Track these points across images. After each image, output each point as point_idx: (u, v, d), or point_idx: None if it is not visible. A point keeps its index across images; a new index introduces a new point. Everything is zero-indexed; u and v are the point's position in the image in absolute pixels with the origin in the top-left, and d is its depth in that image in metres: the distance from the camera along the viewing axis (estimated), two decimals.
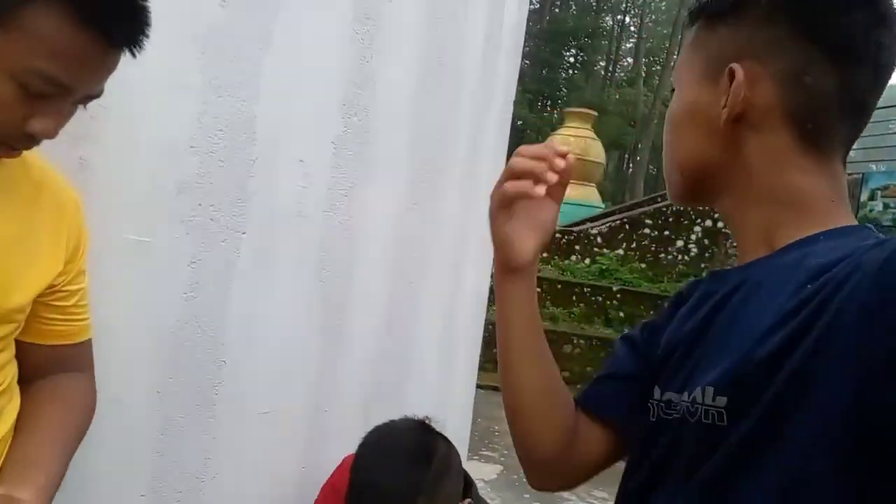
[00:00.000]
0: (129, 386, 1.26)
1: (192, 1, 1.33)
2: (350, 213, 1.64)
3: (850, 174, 10.55)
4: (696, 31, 0.77)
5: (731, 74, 0.71)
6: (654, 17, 37.83)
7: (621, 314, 11.00)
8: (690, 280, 0.88)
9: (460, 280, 2.22)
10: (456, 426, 2.36)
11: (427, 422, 1.35)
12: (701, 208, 12.17)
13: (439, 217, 2.00)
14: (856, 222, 0.71)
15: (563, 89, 34.75)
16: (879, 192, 10.80)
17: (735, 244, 0.78)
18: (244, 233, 1.40)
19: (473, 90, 2.09)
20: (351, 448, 1.49)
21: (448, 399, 2.27)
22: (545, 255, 11.86)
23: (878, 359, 0.53)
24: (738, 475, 0.61)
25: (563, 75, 35.42)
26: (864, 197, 11.18)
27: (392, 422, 1.34)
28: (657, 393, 0.75)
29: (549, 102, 35.19)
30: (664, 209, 12.40)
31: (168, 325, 1.30)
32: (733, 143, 0.73)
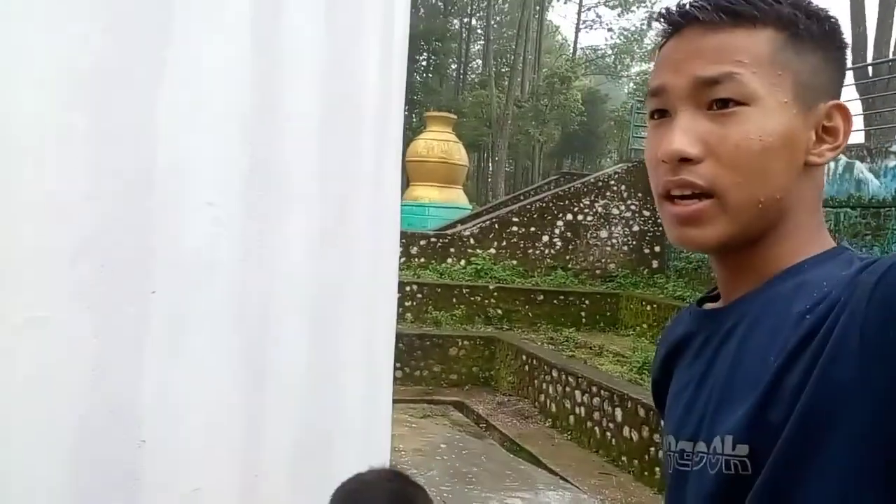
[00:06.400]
0: (34, 491, 1.06)
1: (68, 31, 1.15)
2: (266, 258, 1.49)
3: None
4: (774, 46, 0.66)
5: (837, 113, 0.68)
6: (498, 18, 39.17)
7: (499, 311, 11.27)
8: (669, 323, 0.85)
9: (375, 312, 2.12)
10: (380, 462, 2.26)
11: (396, 469, 1.26)
12: (563, 203, 12.75)
13: (352, 247, 1.89)
14: (830, 239, 0.70)
15: (419, 93, 35.13)
16: None
17: (716, 278, 0.74)
18: (153, 292, 1.23)
19: (374, 108, 2.00)
20: None
21: (372, 436, 2.16)
22: (422, 259, 11.91)
23: (885, 386, 0.53)
24: None
25: (418, 78, 35.83)
26: None
27: (360, 475, 1.23)
28: (673, 443, 0.72)
29: (406, 107, 35.44)
30: (528, 207, 12.86)
31: (74, 410, 1.11)
32: (799, 180, 0.68)
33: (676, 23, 0.69)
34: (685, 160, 0.66)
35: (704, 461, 0.65)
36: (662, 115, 0.70)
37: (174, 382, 1.29)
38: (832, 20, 0.69)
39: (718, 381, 0.67)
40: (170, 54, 1.25)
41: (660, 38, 0.72)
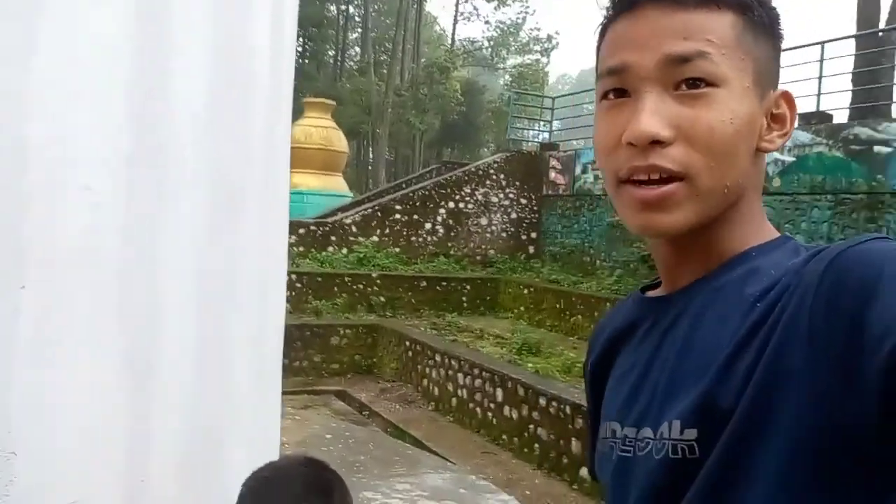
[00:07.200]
0: None
1: None
2: (150, 246, 1.39)
3: (565, 151, 11.62)
4: (737, 30, 0.65)
5: (783, 101, 0.69)
6: (377, 6, 38.75)
7: (382, 299, 11.24)
8: (609, 311, 0.84)
9: (265, 302, 2.04)
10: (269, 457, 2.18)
11: (310, 455, 1.23)
12: (445, 191, 12.89)
13: (242, 234, 1.80)
14: (773, 228, 0.72)
15: (296, 79, 33.94)
16: (590, 166, 12.43)
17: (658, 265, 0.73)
18: (23, 287, 1.11)
19: (266, 87, 1.91)
20: None
21: (262, 430, 2.08)
22: (301, 248, 11.64)
23: (832, 373, 0.54)
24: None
25: (295, 65, 34.71)
26: (577, 170, 12.78)
27: (272, 463, 1.19)
28: (618, 430, 0.71)
29: None
30: (411, 195, 12.89)
31: None
32: (753, 166, 0.68)
33: (632, 1, 0.67)
34: (655, 143, 0.63)
35: (650, 447, 0.65)
36: (620, 94, 0.66)
37: (48, 386, 1.17)
38: (775, 10, 0.70)
39: (667, 368, 0.67)
40: (43, 22, 1.12)
41: (607, 15, 0.70)
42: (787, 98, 0.70)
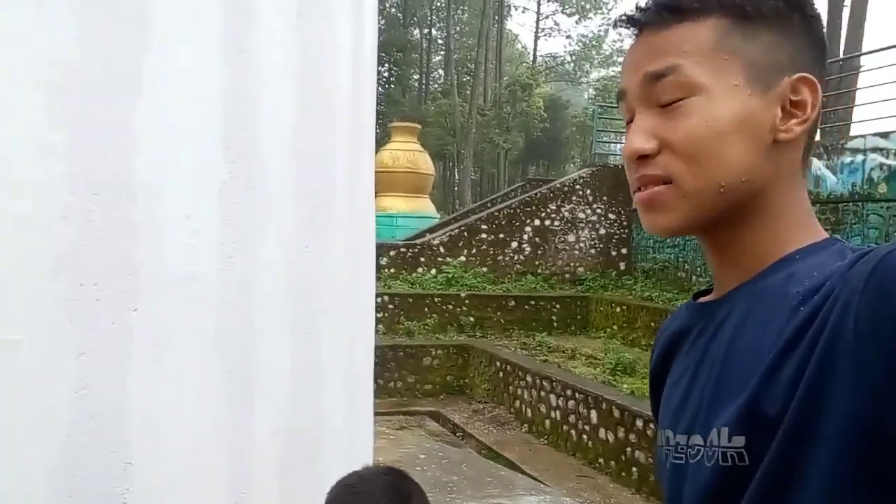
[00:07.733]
0: None
1: (37, 42, 1.12)
2: (245, 268, 1.47)
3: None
4: (718, 33, 0.67)
5: (803, 86, 0.67)
6: (458, 28, 39.41)
7: (471, 318, 11.29)
8: (667, 319, 0.85)
9: (354, 317, 2.10)
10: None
11: (392, 466, 1.27)
12: (530, 209, 12.84)
13: (330, 254, 1.87)
14: (821, 230, 0.71)
15: (382, 104, 35.09)
16: None
17: (711, 270, 0.74)
18: (135, 309, 1.20)
19: (347, 113, 1.99)
20: None
21: (356, 445, 2.14)
22: (392, 269, 11.87)
23: (879, 377, 0.53)
24: None
25: (381, 90, 35.82)
26: None
27: (356, 471, 1.24)
28: (671, 437, 0.71)
29: None
30: (496, 214, 12.92)
31: (59, 432, 1.07)
32: (770, 159, 0.67)
33: (631, 26, 0.72)
34: (643, 157, 0.68)
35: (701, 454, 0.65)
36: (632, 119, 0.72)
37: (159, 401, 1.26)
38: None
39: (713, 374, 0.67)
40: (146, 62, 1.22)
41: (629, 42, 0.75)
42: (808, 83, 0.68)
